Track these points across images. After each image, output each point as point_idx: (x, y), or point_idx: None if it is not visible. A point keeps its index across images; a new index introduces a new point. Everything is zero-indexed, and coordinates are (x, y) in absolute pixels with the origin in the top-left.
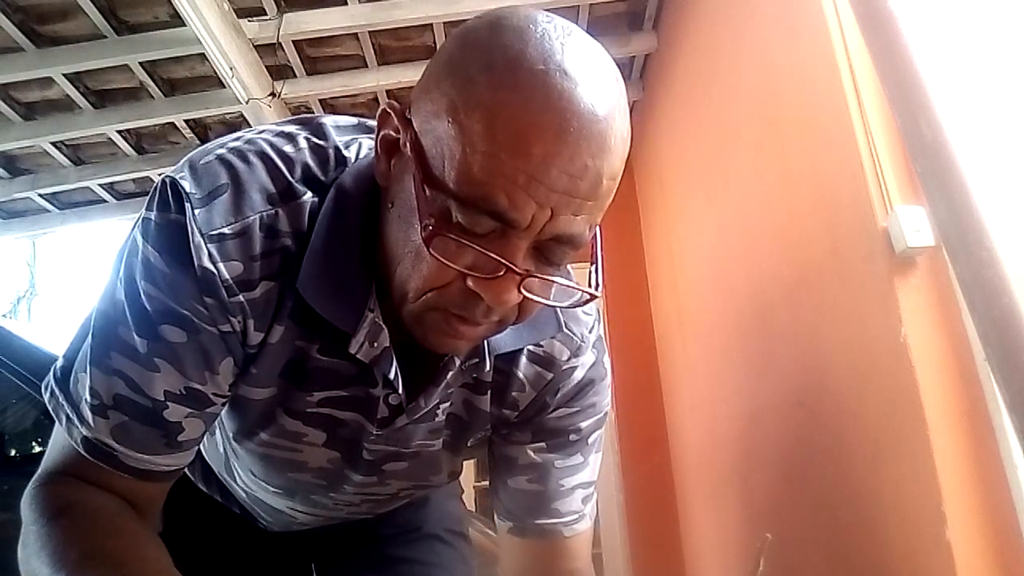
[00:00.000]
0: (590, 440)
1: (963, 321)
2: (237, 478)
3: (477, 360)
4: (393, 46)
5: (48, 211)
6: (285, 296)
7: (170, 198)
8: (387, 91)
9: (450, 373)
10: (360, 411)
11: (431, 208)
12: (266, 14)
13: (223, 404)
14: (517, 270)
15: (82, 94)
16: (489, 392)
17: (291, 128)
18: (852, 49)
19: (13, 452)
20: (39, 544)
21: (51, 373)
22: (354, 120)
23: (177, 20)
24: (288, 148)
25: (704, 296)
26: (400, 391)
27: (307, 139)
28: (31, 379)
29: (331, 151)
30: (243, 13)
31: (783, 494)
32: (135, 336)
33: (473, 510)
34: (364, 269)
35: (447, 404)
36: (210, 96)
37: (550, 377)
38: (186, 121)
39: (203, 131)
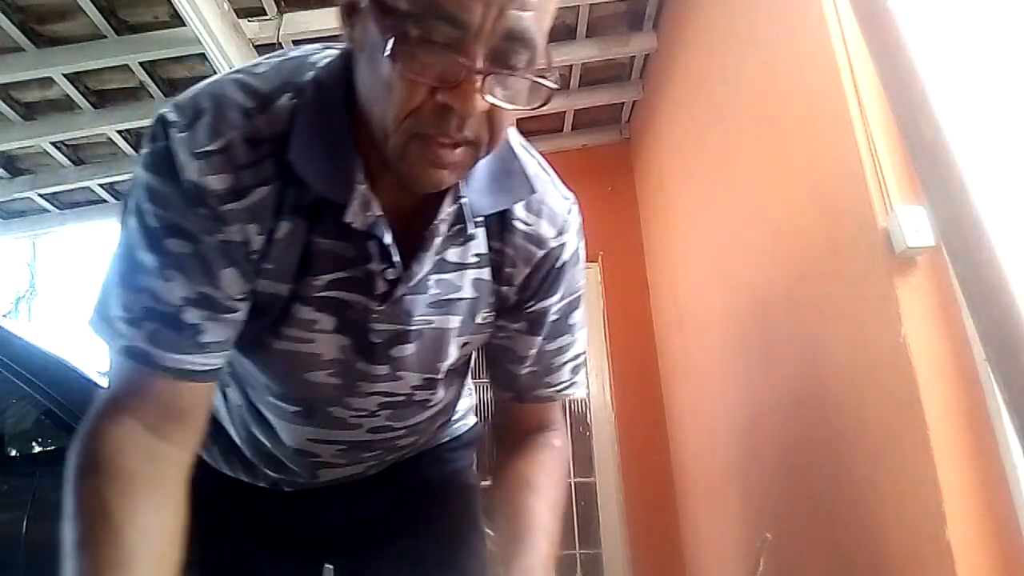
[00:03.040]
0: (574, 320)
1: (963, 321)
2: (258, 426)
3: (461, 225)
4: None
5: (48, 211)
6: (284, 195)
7: (159, 130)
8: None
9: (437, 239)
10: (362, 291)
11: (391, 32)
12: (266, 14)
13: (242, 311)
14: (477, 67)
15: (82, 94)
16: (489, 267)
17: (261, 58)
18: (852, 49)
19: (13, 452)
20: (65, 502)
21: (91, 311)
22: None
23: (177, 20)
24: (260, 68)
25: (704, 296)
26: (396, 258)
27: (278, 57)
28: (31, 379)
29: (303, 59)
30: (243, 13)
31: (783, 494)
32: (148, 254)
33: None
34: (350, 145)
35: (445, 276)
36: None
37: (540, 255)
38: None
39: None
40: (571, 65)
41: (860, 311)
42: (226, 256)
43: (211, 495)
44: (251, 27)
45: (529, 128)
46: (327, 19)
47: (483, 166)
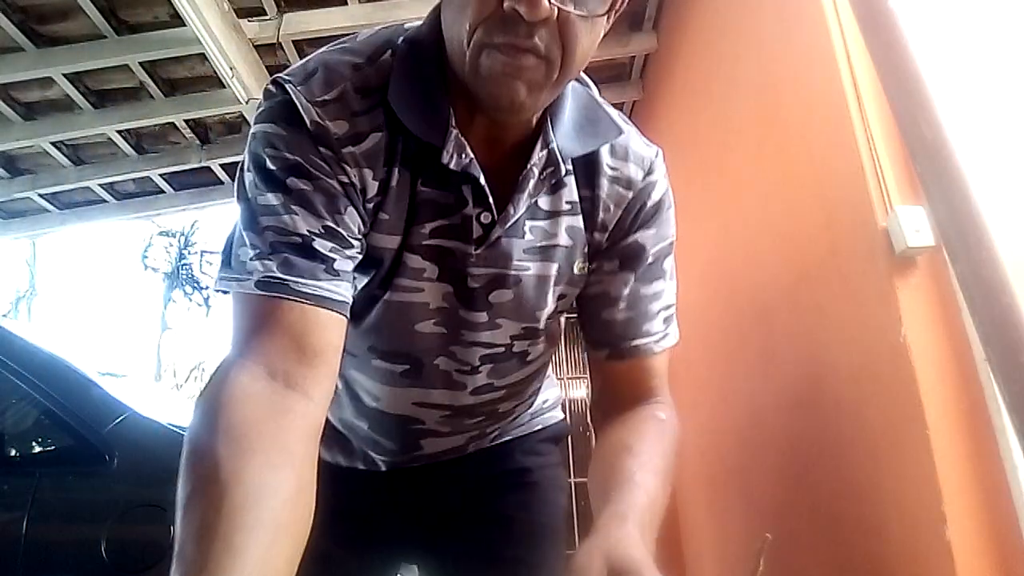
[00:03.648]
0: (667, 265)
1: (963, 321)
2: (356, 409)
3: (552, 168)
4: None
5: (48, 211)
6: (394, 143)
7: (272, 90)
8: None
9: (530, 181)
10: (460, 238)
11: None
12: (266, 14)
13: (359, 251)
14: None
15: (82, 94)
16: (581, 214)
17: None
18: (852, 49)
19: (13, 452)
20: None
21: (219, 273)
22: None
23: (177, 20)
24: (356, 39)
25: (704, 296)
26: (490, 200)
27: (373, 31)
28: (31, 379)
29: (396, 27)
30: (243, 13)
31: (783, 494)
32: (270, 195)
33: None
34: (442, 92)
35: (540, 223)
36: (210, 96)
37: (630, 196)
38: (186, 121)
39: (203, 131)
40: None
41: (860, 311)
42: (346, 196)
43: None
44: (251, 27)
45: None
46: (327, 19)
47: (570, 114)
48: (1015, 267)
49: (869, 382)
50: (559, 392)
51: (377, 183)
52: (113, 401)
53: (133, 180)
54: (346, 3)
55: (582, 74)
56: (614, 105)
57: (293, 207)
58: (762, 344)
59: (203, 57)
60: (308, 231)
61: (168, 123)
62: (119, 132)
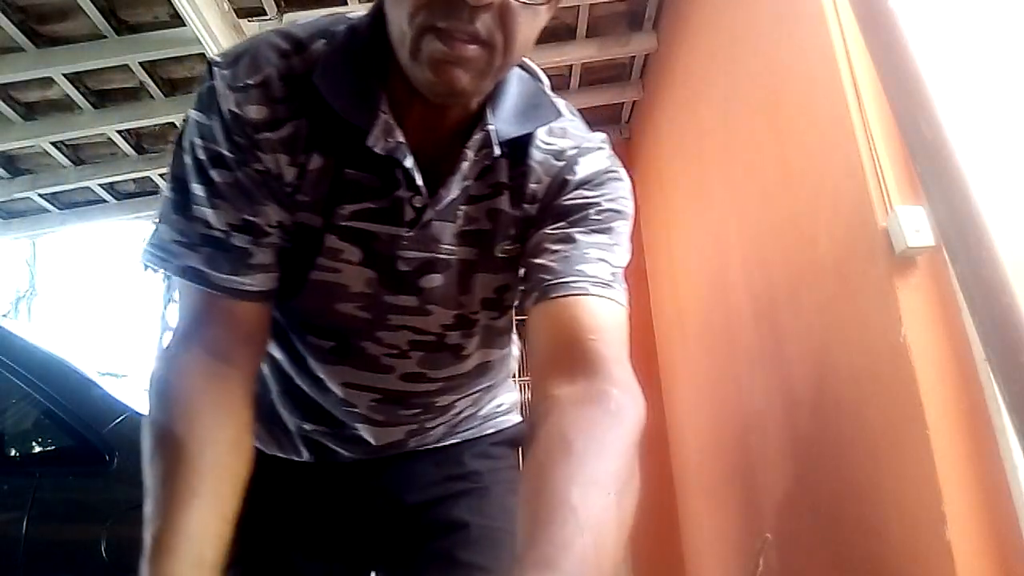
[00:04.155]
0: (615, 226)
1: (963, 321)
2: (301, 375)
3: (487, 149)
4: None
5: (48, 211)
6: (316, 128)
7: (205, 74)
8: None
9: (465, 163)
10: (390, 221)
11: None
12: (266, 14)
13: (282, 237)
14: None
15: (82, 94)
16: (508, 192)
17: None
18: (852, 49)
19: (13, 452)
20: (143, 435)
21: (146, 245)
22: None
23: (177, 20)
24: (298, 24)
25: (704, 296)
26: (419, 182)
27: (316, 18)
28: (31, 379)
29: (339, 16)
30: (243, 13)
31: (783, 494)
32: (198, 184)
33: None
34: (376, 78)
35: (468, 207)
36: None
37: (561, 165)
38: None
39: None
40: (571, 65)
41: (860, 311)
42: (264, 186)
43: (255, 488)
44: (251, 27)
45: None
46: None
47: (512, 100)
48: (1015, 267)
49: (869, 382)
50: (516, 396)
51: (295, 169)
52: (113, 401)
53: (133, 180)
54: (346, 3)
55: (534, 66)
56: (614, 105)
57: (215, 200)
58: (762, 344)
59: (203, 57)
60: (228, 224)
61: (168, 123)
62: (119, 132)
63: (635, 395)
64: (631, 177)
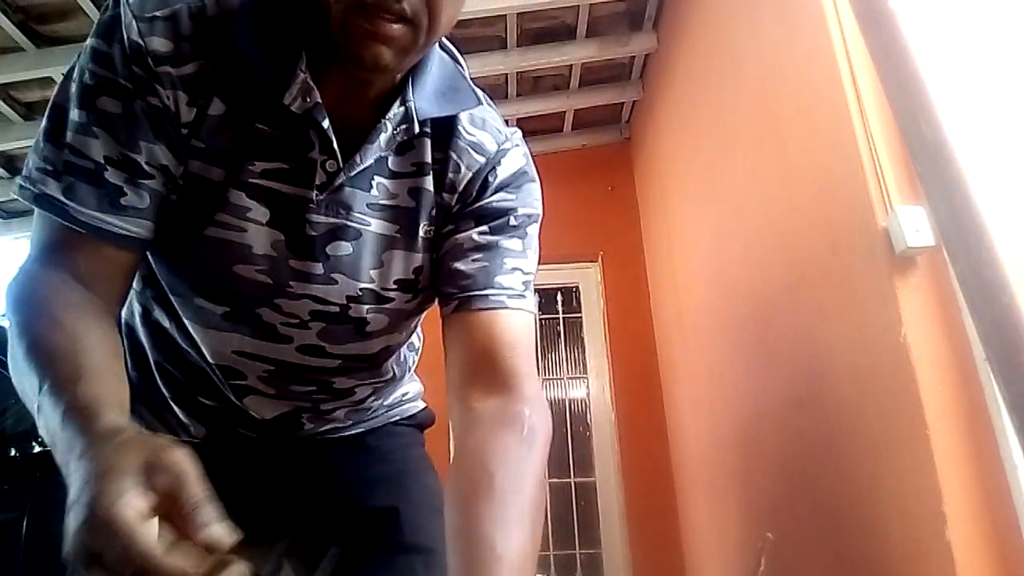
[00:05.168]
0: (528, 231)
1: (963, 321)
2: (186, 341)
3: (406, 125)
4: None
5: None
6: (222, 72)
7: (112, 2)
8: None
9: (383, 134)
10: (300, 183)
11: None
12: None
13: (165, 183)
14: None
15: None
16: (431, 174)
17: None
18: (852, 49)
19: (13, 452)
20: (10, 335)
21: (20, 181)
22: None
23: None
24: None
25: (704, 296)
26: (334, 145)
27: None
28: None
29: None
30: None
31: (783, 494)
32: (78, 110)
33: None
34: (297, 36)
35: (387, 181)
36: None
37: (483, 161)
38: None
39: None
40: (571, 65)
41: (860, 311)
42: (155, 123)
43: None
44: None
45: (529, 128)
46: None
47: (433, 79)
48: (1015, 267)
49: (869, 382)
50: (420, 387)
51: (193, 109)
52: None
53: None
54: None
55: (455, 49)
56: (614, 105)
57: (95, 129)
58: (762, 344)
59: None
60: (105, 157)
61: None
62: None
63: (543, 412)
64: (631, 177)
